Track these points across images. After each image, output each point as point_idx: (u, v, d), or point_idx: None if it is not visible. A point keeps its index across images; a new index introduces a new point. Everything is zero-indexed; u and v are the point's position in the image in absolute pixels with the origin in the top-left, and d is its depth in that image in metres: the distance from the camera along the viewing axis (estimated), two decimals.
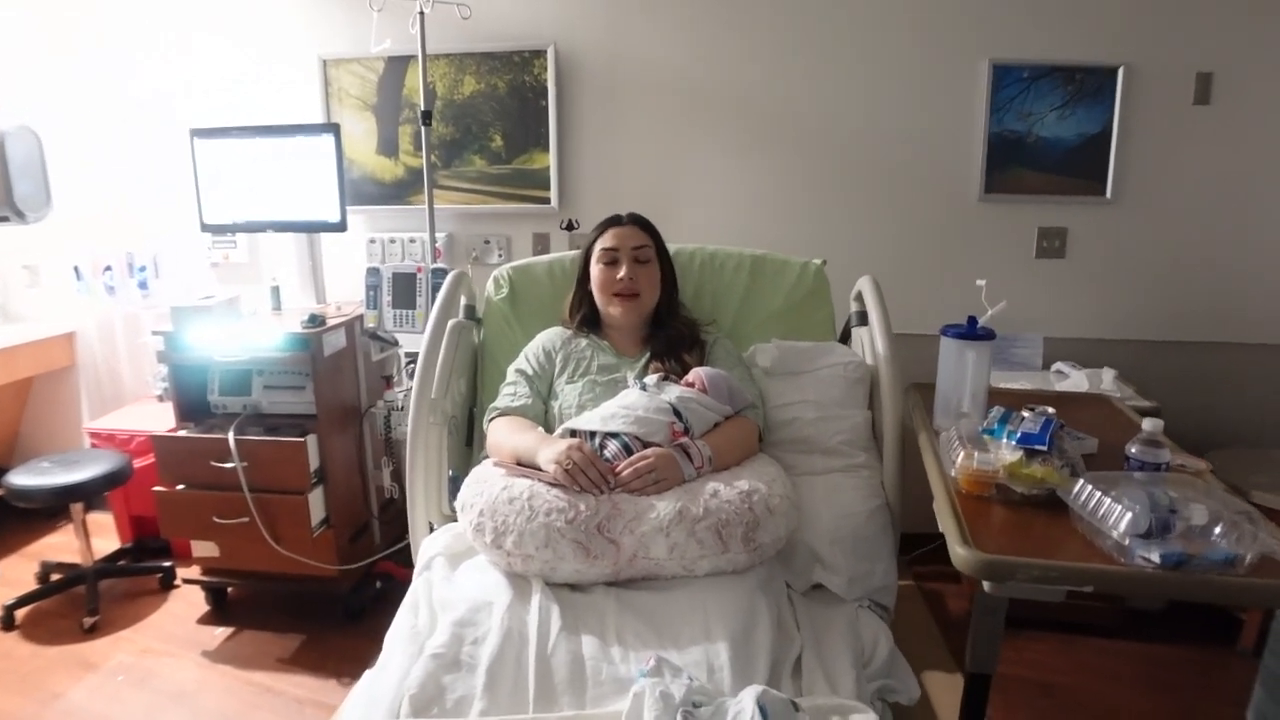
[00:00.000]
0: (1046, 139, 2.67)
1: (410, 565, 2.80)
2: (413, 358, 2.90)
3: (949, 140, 2.72)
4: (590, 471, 1.44)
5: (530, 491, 1.42)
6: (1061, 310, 2.76)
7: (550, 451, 1.49)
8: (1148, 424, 1.38)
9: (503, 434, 1.68)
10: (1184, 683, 2.28)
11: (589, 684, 1.23)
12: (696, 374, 1.67)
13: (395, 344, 2.76)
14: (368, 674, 1.39)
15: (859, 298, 1.97)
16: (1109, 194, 2.67)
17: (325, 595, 2.58)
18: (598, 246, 1.85)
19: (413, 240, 2.95)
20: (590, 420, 1.56)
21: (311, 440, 2.44)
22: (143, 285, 3.08)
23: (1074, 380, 2.52)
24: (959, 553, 1.18)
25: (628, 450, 1.49)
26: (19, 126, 2.87)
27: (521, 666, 1.25)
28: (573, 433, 1.56)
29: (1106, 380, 2.48)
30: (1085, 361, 2.64)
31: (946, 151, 2.73)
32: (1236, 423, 2.67)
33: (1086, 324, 2.77)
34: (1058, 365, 2.64)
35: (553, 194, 2.87)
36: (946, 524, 1.28)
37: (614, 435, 1.51)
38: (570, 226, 2.77)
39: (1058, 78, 2.63)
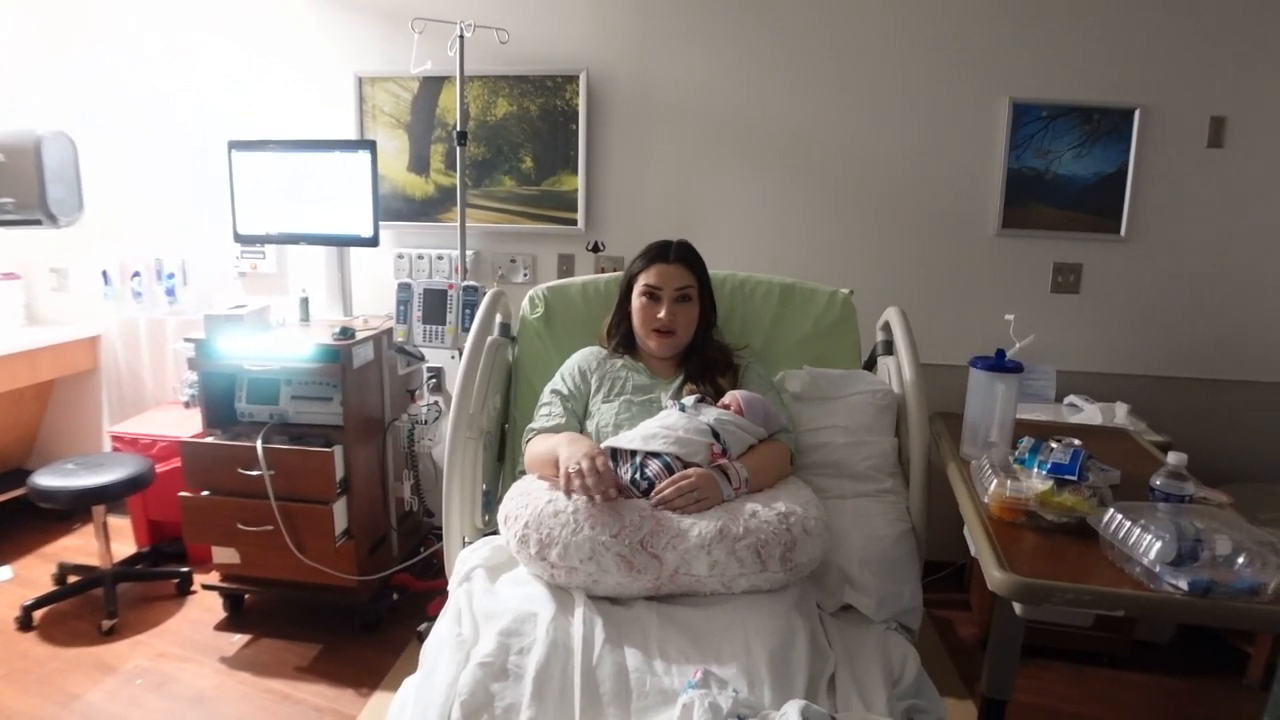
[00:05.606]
0: (1064, 177, 2.74)
1: (427, 578, 2.87)
2: (435, 373, 2.95)
3: (969, 175, 2.79)
4: (591, 479, 1.46)
5: (575, 505, 1.46)
6: (1075, 344, 2.82)
7: (568, 451, 1.55)
8: (1172, 457, 1.43)
9: (539, 449, 1.71)
10: (1192, 714, 2.31)
11: (634, 695, 1.26)
12: (733, 396, 1.71)
13: (421, 359, 2.79)
14: (410, 680, 1.42)
15: (885, 327, 2.02)
16: (1123, 232, 2.74)
17: (342, 605, 2.61)
18: (641, 280, 1.85)
19: (440, 257, 2.99)
20: (632, 439, 1.60)
21: (338, 451, 2.47)
22: (170, 292, 3.13)
23: (1087, 414, 2.57)
24: (996, 575, 1.23)
25: (669, 469, 1.53)
26: (55, 132, 2.93)
27: (567, 677, 1.28)
28: (614, 451, 1.59)
29: (1120, 414, 2.53)
30: (1097, 395, 2.70)
31: (966, 186, 2.80)
32: (1246, 459, 2.72)
33: (1099, 358, 2.83)
34: (1070, 398, 2.70)
35: (580, 216, 2.92)
36: (981, 548, 1.32)
37: (656, 455, 1.55)
38: (597, 248, 2.82)
39: (1076, 117, 2.70)
